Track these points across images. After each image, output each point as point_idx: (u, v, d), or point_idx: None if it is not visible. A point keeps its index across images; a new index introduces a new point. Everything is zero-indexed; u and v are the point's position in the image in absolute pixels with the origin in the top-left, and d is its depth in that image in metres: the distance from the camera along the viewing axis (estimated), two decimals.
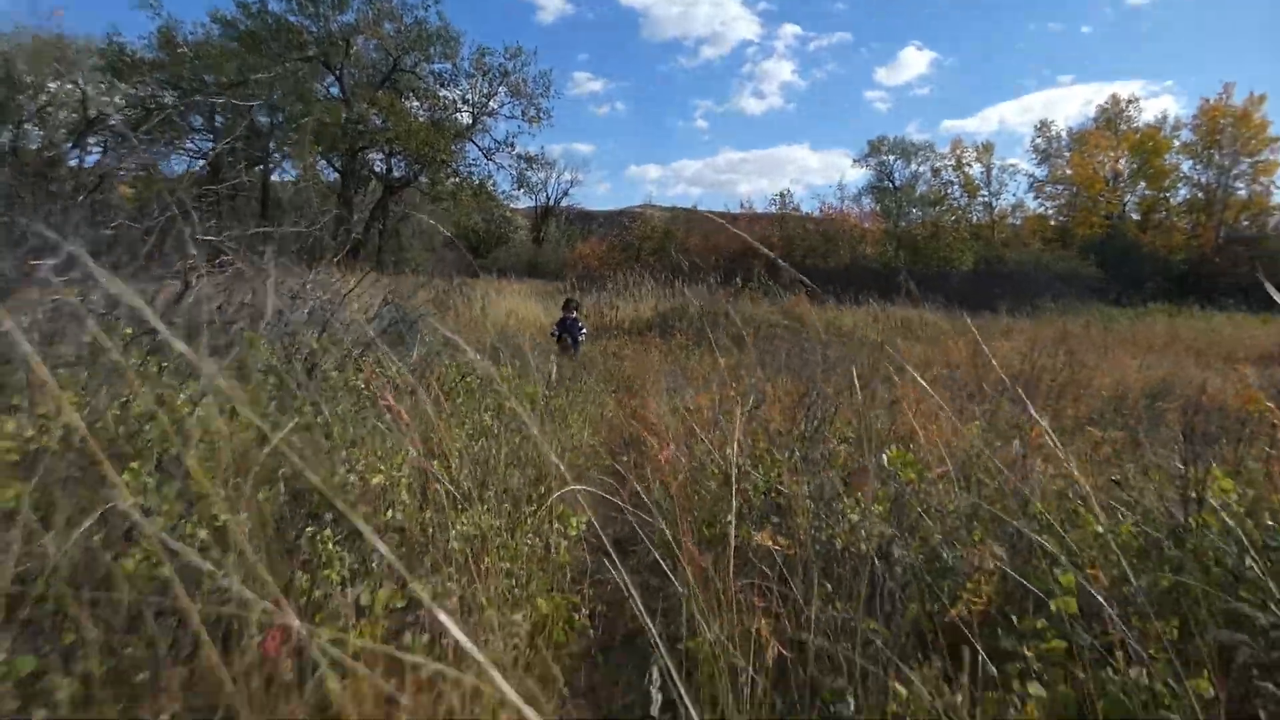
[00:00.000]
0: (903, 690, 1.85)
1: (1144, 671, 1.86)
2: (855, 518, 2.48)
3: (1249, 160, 34.27)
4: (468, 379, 3.94)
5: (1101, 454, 3.96)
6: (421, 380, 3.77)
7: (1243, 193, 34.61)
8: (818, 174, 79.73)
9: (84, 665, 1.44)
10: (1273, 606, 1.98)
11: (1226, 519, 2.30)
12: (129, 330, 3.53)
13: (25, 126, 21.75)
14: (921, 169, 39.67)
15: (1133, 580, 2.26)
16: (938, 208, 37.35)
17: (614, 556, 1.53)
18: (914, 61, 73.47)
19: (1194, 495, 2.47)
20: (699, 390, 5.05)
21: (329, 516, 2.04)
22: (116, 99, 23.89)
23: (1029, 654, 1.97)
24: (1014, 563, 2.32)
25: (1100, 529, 2.45)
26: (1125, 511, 2.69)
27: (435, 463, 2.44)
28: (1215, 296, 25.11)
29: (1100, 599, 1.99)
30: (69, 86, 23.39)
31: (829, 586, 2.29)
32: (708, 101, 77.87)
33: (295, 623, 0.90)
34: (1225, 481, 2.41)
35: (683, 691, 1.34)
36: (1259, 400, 3.02)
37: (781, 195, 32.64)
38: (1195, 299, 24.82)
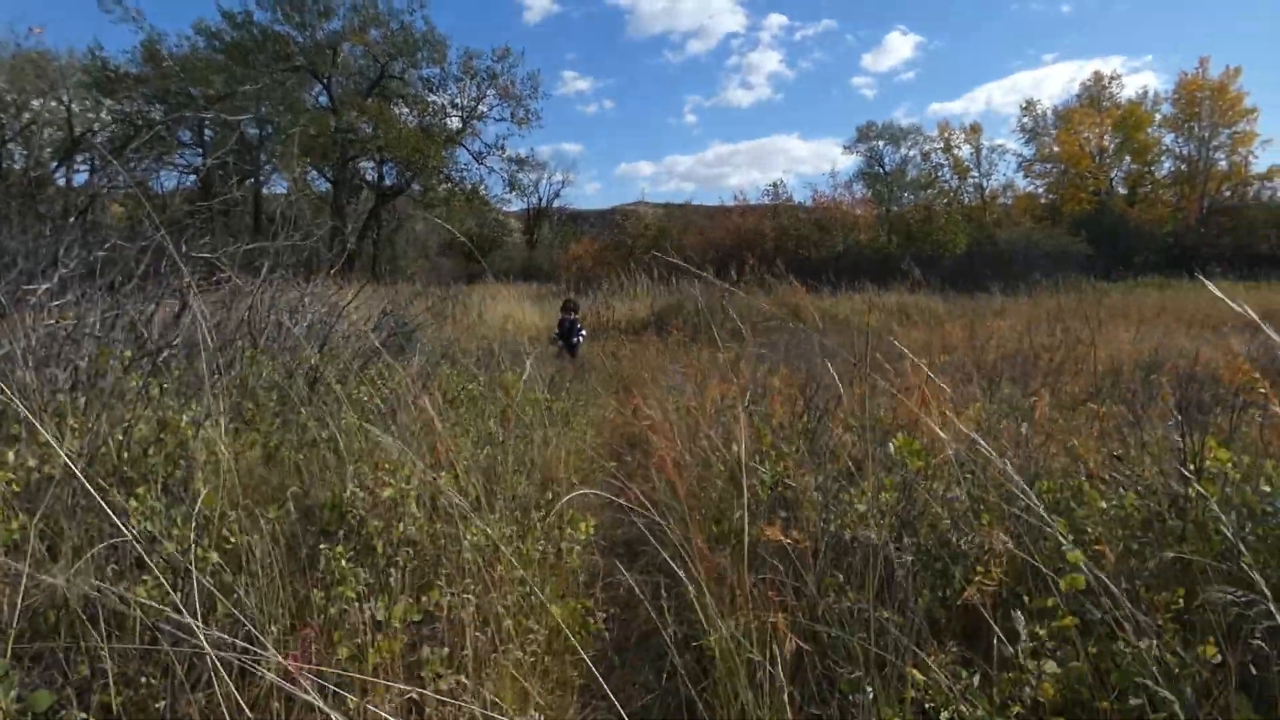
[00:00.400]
0: (920, 676, 1.84)
1: (1153, 642, 1.86)
2: (862, 508, 2.48)
3: (1227, 132, 34.31)
4: (470, 387, 3.92)
5: (1101, 429, 3.97)
6: (424, 390, 3.75)
7: (1223, 164, 34.65)
8: (808, 163, 79.21)
9: (100, 698, 1.42)
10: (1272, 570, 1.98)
11: (1225, 488, 2.31)
12: (128, 353, 3.50)
13: (8, 146, 21.47)
14: (911, 153, 39.59)
15: (1137, 554, 2.27)
16: (929, 191, 37.29)
17: (624, 558, 1.52)
18: (899, 46, 73.04)
19: (1192, 466, 2.48)
20: (699, 387, 5.04)
21: (341, 533, 2.03)
22: (103, 115, 23.69)
23: (1041, 632, 1.97)
24: (1022, 543, 2.32)
25: (1104, 505, 2.45)
26: (1126, 486, 2.69)
27: (443, 474, 2.42)
28: (1201, 266, 25.14)
29: (1108, 574, 1.99)
30: (53, 104, 23.13)
31: (841, 577, 2.28)
32: (696, 96, 77.40)
33: (296, 660, 0.89)
34: (1221, 451, 2.41)
35: (698, 688, 1.34)
36: (1245, 371, 3.02)
37: (774, 186, 32.64)
38: (1182, 270, 24.85)
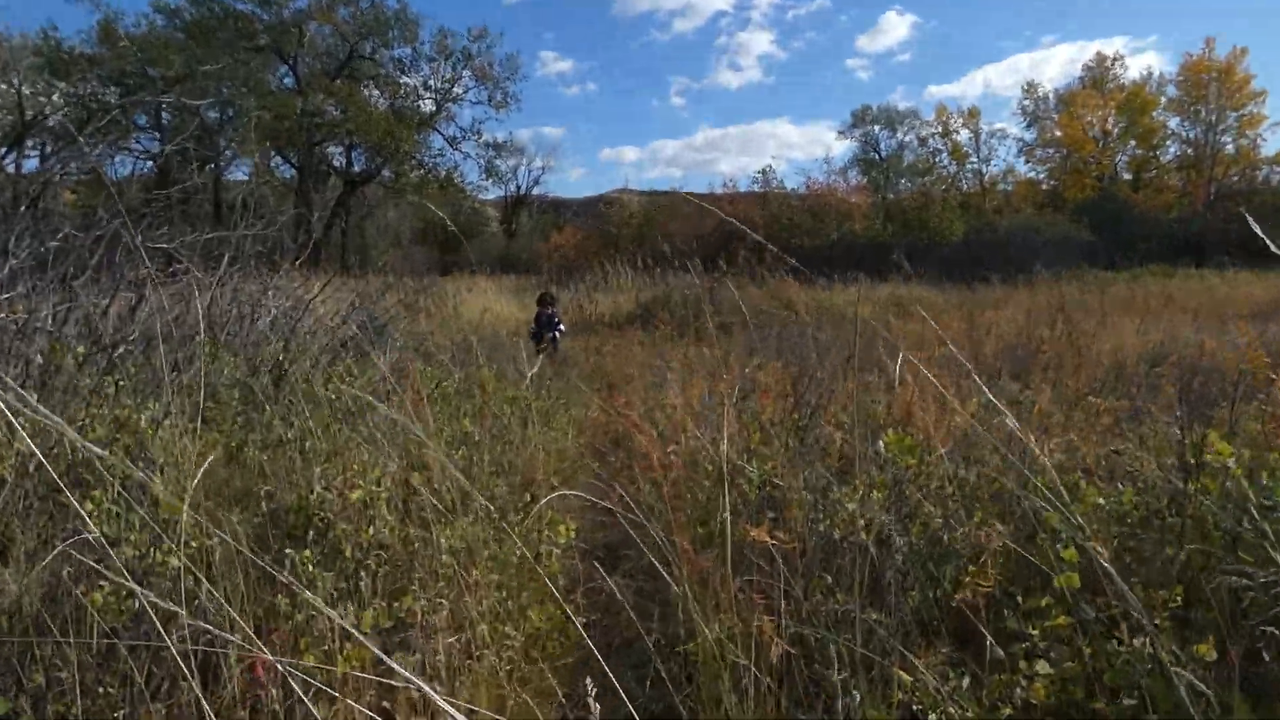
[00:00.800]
0: (907, 678, 1.88)
1: (1147, 641, 1.90)
2: (852, 506, 2.51)
3: (1235, 114, 34.64)
4: (444, 384, 3.93)
5: (1102, 424, 4.03)
6: (398, 385, 3.76)
7: (1230, 148, 34.99)
8: (800, 148, 79.04)
9: (56, 707, 1.43)
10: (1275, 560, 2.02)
11: (1226, 482, 2.35)
12: (81, 349, 3.49)
13: None
14: (908, 138, 39.89)
15: (1134, 551, 2.31)
16: (927, 178, 37.55)
17: (605, 563, 1.54)
18: (895, 26, 73.22)
19: (1191, 460, 2.52)
20: (686, 383, 5.07)
21: (309, 536, 2.04)
22: (55, 98, 23.42)
23: (1034, 633, 2.01)
24: (1017, 541, 2.36)
25: (1101, 501, 2.49)
26: (1125, 481, 2.74)
27: (415, 475, 2.44)
28: (1209, 254, 25.42)
29: (1103, 572, 2.03)
30: (3, 87, 22.85)
31: (829, 579, 2.32)
32: (684, 78, 77.09)
33: (268, 656, 0.90)
34: (1222, 445, 2.44)
35: (681, 694, 1.37)
36: (1259, 359, 3.06)
37: (764, 172, 32.62)
38: (1189, 258, 25.12)
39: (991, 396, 2.26)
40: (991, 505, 2.61)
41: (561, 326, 9.59)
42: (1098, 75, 37.84)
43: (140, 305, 4.51)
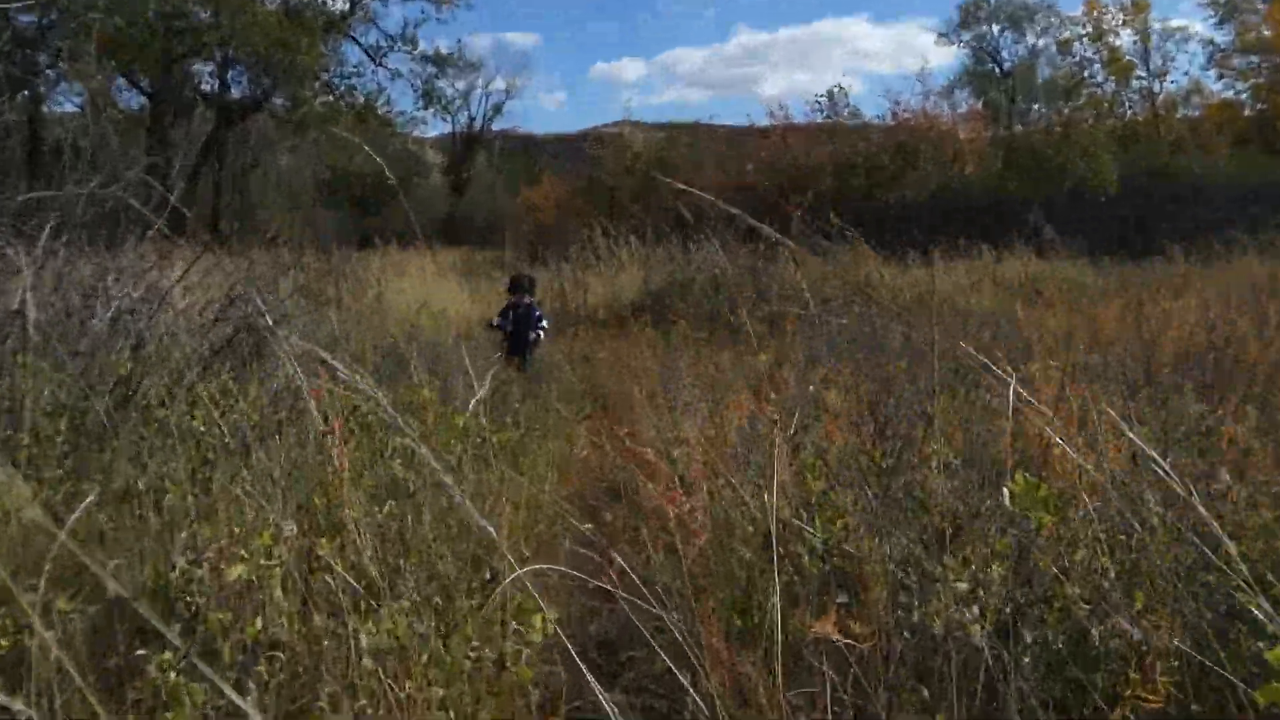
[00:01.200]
0: None
1: None
2: (964, 586, 2.53)
3: None
4: (361, 410, 3.97)
5: None
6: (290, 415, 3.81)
7: None
8: (884, 59, 78.01)
9: None
10: None
11: None
12: None
13: None
14: (1042, 43, 39.85)
15: None
16: (1072, 101, 37.43)
17: (599, 668, 1.57)
18: None
19: None
20: (717, 405, 5.11)
21: (175, 629, 2.08)
22: None
23: None
24: (1199, 636, 2.38)
25: None
26: None
27: (323, 542, 2.47)
28: None
29: None
30: None
31: (925, 692, 2.34)
32: None
33: None
34: None
35: None
36: None
37: (831, 95, 32.57)
38: None
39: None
40: (1161, 584, 2.62)
41: (544, 323, 9.64)
42: None
43: None
